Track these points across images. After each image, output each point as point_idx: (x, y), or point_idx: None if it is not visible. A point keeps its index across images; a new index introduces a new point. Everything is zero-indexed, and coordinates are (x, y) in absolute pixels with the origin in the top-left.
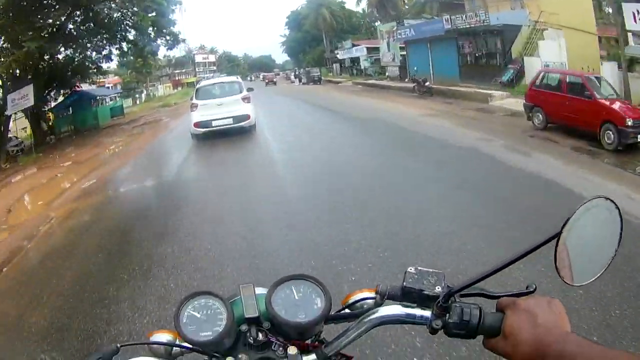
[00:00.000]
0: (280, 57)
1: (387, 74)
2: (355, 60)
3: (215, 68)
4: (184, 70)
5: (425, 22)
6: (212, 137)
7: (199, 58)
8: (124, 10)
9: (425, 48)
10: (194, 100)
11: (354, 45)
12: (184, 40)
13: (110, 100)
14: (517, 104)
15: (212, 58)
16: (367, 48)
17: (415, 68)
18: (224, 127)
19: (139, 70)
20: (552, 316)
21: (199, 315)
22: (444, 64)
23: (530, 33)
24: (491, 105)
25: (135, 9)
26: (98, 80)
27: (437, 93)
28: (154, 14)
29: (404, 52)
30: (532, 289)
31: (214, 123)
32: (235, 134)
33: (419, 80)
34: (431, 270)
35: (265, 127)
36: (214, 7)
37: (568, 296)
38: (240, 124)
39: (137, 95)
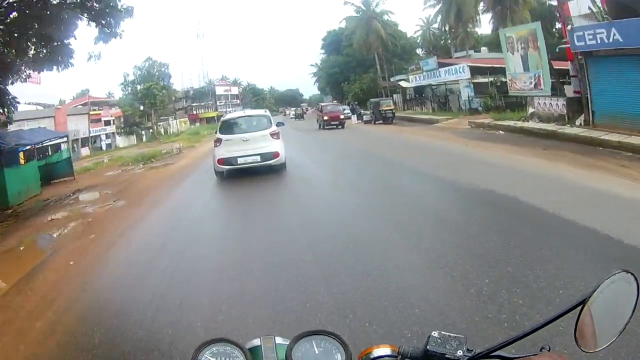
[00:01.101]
0: (309, 90)
1: (530, 110)
2: (419, 90)
3: (238, 102)
4: (202, 104)
5: None
6: None
7: (220, 90)
8: None
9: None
10: (218, 135)
11: (441, 65)
12: (129, 12)
13: (60, 146)
14: None
15: (234, 90)
16: (471, 68)
17: None
18: (250, 165)
19: (143, 102)
20: None
21: None
22: None
23: None
24: None
25: None
26: (90, 113)
27: None
28: None
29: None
30: (546, 351)
31: (239, 160)
32: None
33: None
34: (454, 335)
35: None
36: (238, 40)
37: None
38: (269, 162)
39: (142, 132)
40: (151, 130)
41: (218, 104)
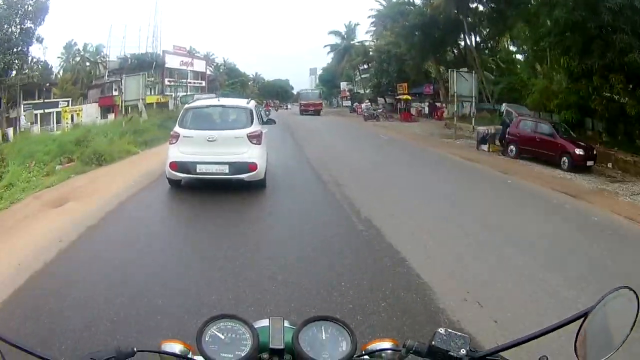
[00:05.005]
0: (299, 84)
1: None
2: None
3: (203, 83)
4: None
5: None
6: None
7: (173, 62)
8: None
9: None
10: (177, 128)
11: None
12: None
13: None
14: None
15: (198, 66)
16: None
17: None
18: (214, 177)
19: None
20: None
21: (223, 337)
22: None
23: None
24: None
25: None
26: None
27: None
28: None
29: None
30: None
31: (199, 168)
32: None
33: None
34: (459, 333)
35: None
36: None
37: None
38: (240, 175)
39: None
40: None
41: (167, 82)
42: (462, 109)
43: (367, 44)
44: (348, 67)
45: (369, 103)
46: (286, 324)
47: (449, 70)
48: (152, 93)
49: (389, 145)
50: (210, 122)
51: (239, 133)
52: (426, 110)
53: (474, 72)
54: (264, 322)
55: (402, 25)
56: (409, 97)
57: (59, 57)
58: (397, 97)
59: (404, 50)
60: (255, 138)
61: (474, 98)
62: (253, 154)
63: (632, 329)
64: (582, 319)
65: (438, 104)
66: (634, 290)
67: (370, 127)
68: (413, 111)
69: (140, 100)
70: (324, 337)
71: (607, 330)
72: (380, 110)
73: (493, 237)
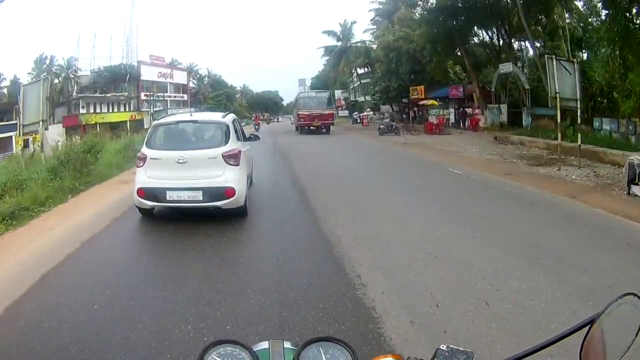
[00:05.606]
0: (288, 96)
1: None
2: None
3: (185, 97)
4: (108, 95)
5: None
6: None
7: (150, 73)
8: None
9: None
10: (144, 149)
11: None
12: None
13: None
14: None
15: (179, 78)
16: None
17: None
18: (186, 205)
19: None
20: None
21: None
22: None
23: None
24: None
25: None
26: None
27: None
28: None
29: None
30: None
31: (169, 195)
32: None
33: None
34: (462, 349)
35: None
36: (197, 16)
37: None
38: (216, 203)
39: None
40: None
41: (143, 97)
42: (500, 115)
43: (367, 43)
44: (346, 70)
45: (371, 112)
46: (286, 345)
47: (547, 58)
48: (126, 109)
49: (494, 197)
50: (180, 141)
51: (213, 153)
52: (452, 118)
53: (575, 62)
54: (264, 345)
55: (415, 15)
56: (435, 103)
57: (29, 73)
58: (419, 104)
59: (418, 46)
60: (232, 158)
61: (578, 101)
62: (230, 177)
63: (637, 334)
64: (588, 326)
65: (469, 110)
66: (639, 296)
67: (403, 149)
68: (433, 119)
69: (41, 124)
70: (324, 358)
71: (613, 338)
72: (388, 118)
73: None
